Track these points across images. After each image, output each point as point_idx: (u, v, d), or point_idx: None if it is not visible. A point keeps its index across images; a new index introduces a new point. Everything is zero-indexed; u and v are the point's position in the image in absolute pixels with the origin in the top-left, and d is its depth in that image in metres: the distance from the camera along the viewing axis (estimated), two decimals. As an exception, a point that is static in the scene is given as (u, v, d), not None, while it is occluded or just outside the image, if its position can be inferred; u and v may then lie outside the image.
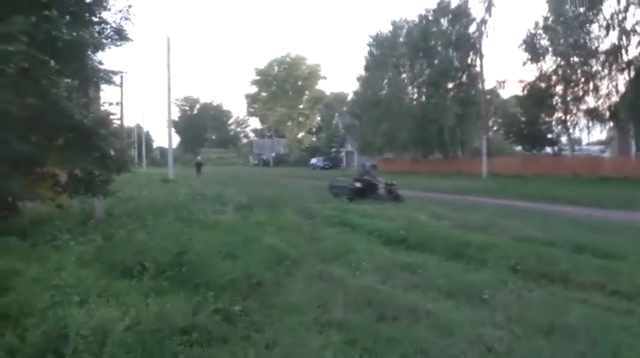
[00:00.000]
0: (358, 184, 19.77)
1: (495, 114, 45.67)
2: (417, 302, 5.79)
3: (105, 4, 10.47)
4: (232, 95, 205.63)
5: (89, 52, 10.11)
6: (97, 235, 8.27)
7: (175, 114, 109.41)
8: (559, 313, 5.52)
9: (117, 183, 11.84)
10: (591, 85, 33.24)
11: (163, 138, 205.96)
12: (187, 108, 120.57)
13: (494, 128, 49.48)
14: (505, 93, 43.29)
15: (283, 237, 9.90)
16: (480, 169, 35.63)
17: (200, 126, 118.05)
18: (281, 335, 4.61)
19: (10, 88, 8.63)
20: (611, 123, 34.07)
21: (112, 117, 10.67)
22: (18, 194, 8.38)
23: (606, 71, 31.79)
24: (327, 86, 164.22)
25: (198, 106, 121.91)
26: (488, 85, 40.09)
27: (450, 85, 43.16)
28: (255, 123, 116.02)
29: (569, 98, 34.91)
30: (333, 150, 69.68)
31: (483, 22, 39.07)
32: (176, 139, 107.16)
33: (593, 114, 34.20)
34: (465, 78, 42.60)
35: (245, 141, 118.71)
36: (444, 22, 43.12)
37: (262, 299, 5.91)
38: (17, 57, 7.86)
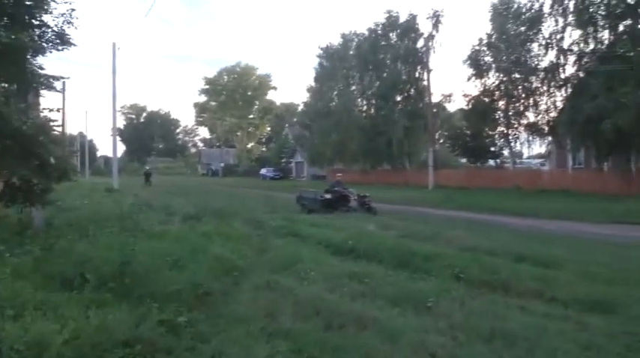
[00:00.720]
0: (328, 196, 19.35)
1: (442, 127, 46.92)
2: (363, 310, 5.84)
3: (46, 7, 10.13)
4: (180, 104, 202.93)
5: (28, 56, 9.72)
6: (35, 246, 7.91)
7: (121, 123, 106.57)
8: (499, 319, 5.70)
9: (58, 192, 11.40)
10: (531, 100, 34.86)
11: (108, 146, 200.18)
12: (134, 116, 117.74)
13: (441, 141, 50.80)
14: (451, 107, 44.58)
15: (231, 248, 9.81)
16: (426, 181, 36.46)
17: (147, 134, 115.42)
18: (227, 345, 4.55)
19: (-58, 91, 8.22)
20: (550, 138, 35.64)
21: (52, 123, 10.28)
22: (-52, 203, 7.95)
23: (545, 87, 33.32)
24: (277, 96, 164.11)
25: (144, 114, 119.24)
26: (435, 98, 41.26)
27: (399, 98, 44.11)
28: (204, 132, 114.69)
29: (510, 113, 36.40)
30: (283, 160, 69.64)
31: (431, 37, 40.35)
32: (121, 148, 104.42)
33: (533, 129, 35.79)
34: (412, 91, 43.65)
35: (193, 150, 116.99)
36: (393, 36, 44.11)
37: (209, 309, 5.82)
38: (-50, 59, 7.51)
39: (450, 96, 41.22)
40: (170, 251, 8.25)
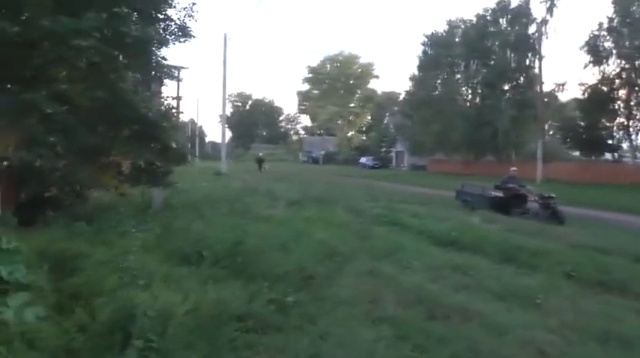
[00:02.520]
0: (499, 193, 15.77)
1: (552, 118, 44.24)
2: (467, 302, 5.78)
3: (170, 1, 10.89)
4: (284, 92, 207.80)
5: (154, 48, 10.51)
6: (156, 224, 8.65)
7: (228, 110, 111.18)
8: (614, 321, 5.40)
9: (174, 174, 12.28)
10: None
11: (215, 132, 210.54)
12: (240, 104, 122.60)
13: (551, 132, 47.96)
14: (564, 97, 41.91)
15: (333, 233, 10.03)
16: (534, 174, 34.61)
17: (252, 122, 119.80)
18: (333, 327, 4.72)
19: (81, 81, 9.14)
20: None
21: (172, 111, 11.07)
22: (85, 182, 8.86)
23: (674, 75, 30.36)
24: (378, 85, 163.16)
25: (250, 102, 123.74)
26: (547, 87, 38.86)
27: (507, 87, 42.13)
28: (305, 120, 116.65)
29: (632, 102, 33.50)
30: (383, 149, 69.29)
31: (544, 22, 37.91)
32: (228, 134, 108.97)
33: (659, 121, 32.74)
34: (522, 80, 41.46)
35: (295, 138, 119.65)
36: (502, 22, 42.10)
37: (314, 291, 6.04)
38: (89, 52, 8.32)
39: (563, 85, 38.62)
40: (276, 234, 8.65)
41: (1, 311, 3.89)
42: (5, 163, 8.01)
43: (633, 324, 5.39)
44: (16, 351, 3.40)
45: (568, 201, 21.34)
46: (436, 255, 8.62)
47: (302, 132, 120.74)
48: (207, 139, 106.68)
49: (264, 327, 4.73)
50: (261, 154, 50.46)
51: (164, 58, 11.04)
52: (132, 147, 9.69)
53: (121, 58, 9.19)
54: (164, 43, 10.72)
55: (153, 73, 10.84)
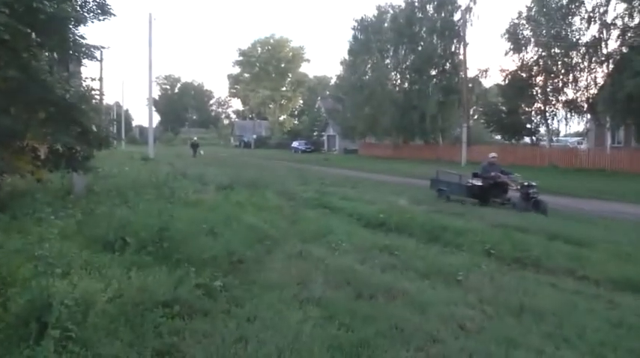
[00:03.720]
0: (478, 182, 14.68)
1: (477, 103, 45.98)
2: (393, 282, 5.97)
3: (88, -23, 10.32)
4: (214, 75, 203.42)
5: (71, 26, 9.95)
6: (77, 210, 8.25)
7: (156, 93, 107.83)
8: (529, 295, 5.76)
9: (97, 159, 11.78)
10: (571, 76, 33.69)
11: (143, 116, 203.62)
12: (168, 87, 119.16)
13: (475, 116, 49.85)
14: (487, 82, 43.46)
15: (264, 217, 10.03)
16: (459, 156, 36.00)
17: (181, 105, 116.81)
18: (261, 310, 4.74)
19: (-10, 60, 8.54)
20: (589, 116, 34.63)
21: (93, 92, 10.56)
22: (-3, 167, 8.32)
23: (586, 63, 32.24)
24: (310, 69, 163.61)
25: (179, 85, 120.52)
26: (471, 73, 40.31)
27: (433, 72, 43.25)
28: (237, 104, 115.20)
29: (549, 89, 35.35)
30: (315, 133, 69.63)
31: (468, 9, 39.33)
32: (156, 118, 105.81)
33: (572, 106, 34.71)
34: (448, 65, 42.75)
35: (226, 122, 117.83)
36: (429, 8, 43.05)
37: (243, 275, 6.02)
38: (-2, 28, 7.76)
39: (486, 71, 40.09)
40: (205, 218, 8.49)
41: None
42: None
43: (545, 297, 5.76)
44: None
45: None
46: (365, 237, 8.81)
47: (233, 116, 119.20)
48: (134, 123, 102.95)
49: (191, 313, 4.66)
50: (195, 138, 49.35)
51: (82, 37, 10.45)
52: (49, 131, 9.17)
53: (34, 35, 8.62)
54: (81, 20, 10.13)
55: (70, 52, 10.24)
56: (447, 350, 4.17)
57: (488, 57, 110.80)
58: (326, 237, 8.45)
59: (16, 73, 8.21)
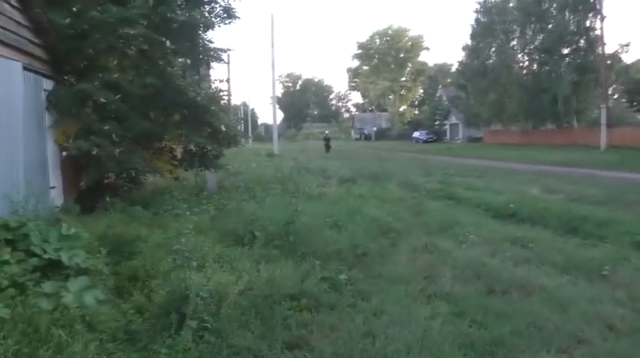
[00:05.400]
0: None
1: (617, 81, 41.80)
2: (528, 276, 5.56)
3: (214, -16, 10.86)
4: (334, 70, 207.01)
5: (200, 32, 10.55)
6: (210, 206, 8.78)
7: (279, 91, 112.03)
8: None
9: (226, 157, 12.42)
10: None
11: (267, 114, 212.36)
12: (290, 84, 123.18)
13: (616, 96, 45.38)
14: (628, 58, 39.39)
15: (387, 210, 9.92)
16: (597, 141, 32.99)
17: (302, 101, 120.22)
18: (387, 305, 4.64)
19: (131, 69, 9.31)
20: None
21: (221, 94, 11.12)
22: (140, 168, 9.04)
23: None
24: (430, 57, 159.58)
25: (300, 82, 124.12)
26: (609, 49, 36.68)
27: (566, 51, 40.00)
28: (356, 97, 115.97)
29: None
30: (437, 122, 67.83)
31: (604, -21, 35.77)
32: (279, 115, 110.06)
33: None
34: (582, 42, 39.20)
35: (346, 115, 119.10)
36: (559, -18, 39.91)
37: (367, 269, 5.97)
38: (137, 39, 8.44)
39: (627, 45, 36.42)
40: (329, 212, 8.60)
41: (62, 295, 4.01)
42: (64, 153, 8.29)
43: None
44: (76, 333, 3.50)
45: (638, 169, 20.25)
46: (494, 229, 8.36)
47: (353, 109, 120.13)
48: (259, 121, 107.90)
49: (317, 306, 4.69)
50: (327, 132, 49.91)
51: (210, 41, 11.05)
52: (183, 132, 9.81)
53: (168, 43, 9.24)
54: (210, 25, 10.70)
55: (200, 56, 10.88)
56: (594, 352, 3.78)
57: (629, 30, 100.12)
58: (452, 229, 8.12)
59: (153, 80, 8.86)
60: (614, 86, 42.82)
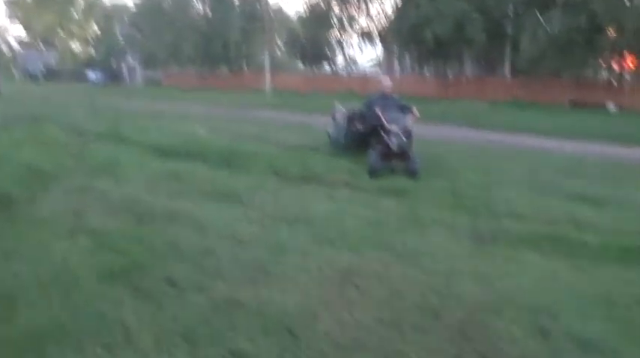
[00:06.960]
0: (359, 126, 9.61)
1: (280, 32, 46.45)
2: (177, 206, 5.99)
3: None
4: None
5: None
6: None
7: None
8: (305, 207, 6.25)
9: None
10: (364, 7, 35.94)
11: None
12: None
13: (279, 44, 50.43)
14: (291, 11, 44.19)
15: (46, 154, 9.22)
16: (263, 84, 36.45)
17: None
18: (24, 246, 4.44)
19: None
20: (380, 44, 37.47)
21: None
22: None
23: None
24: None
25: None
26: (273, 1, 40.46)
27: (237, 1, 42.51)
28: (18, 31, 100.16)
29: (344, 18, 37.25)
30: (115, 65, 64.03)
31: None
32: None
33: (365, 35, 37.19)
34: (250, -7, 42.20)
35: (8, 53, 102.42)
36: None
37: (9, 214, 5.53)
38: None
39: (287, -1, 40.65)
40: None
41: None
42: None
43: (320, 207, 6.32)
44: None
45: (298, 109, 23.18)
46: (156, 166, 8.61)
47: (17, 45, 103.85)
48: None
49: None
50: None
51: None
52: None
53: None
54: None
55: None
56: (220, 260, 4.38)
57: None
58: (113, 169, 8.06)
59: None
60: (279, 39, 47.54)
